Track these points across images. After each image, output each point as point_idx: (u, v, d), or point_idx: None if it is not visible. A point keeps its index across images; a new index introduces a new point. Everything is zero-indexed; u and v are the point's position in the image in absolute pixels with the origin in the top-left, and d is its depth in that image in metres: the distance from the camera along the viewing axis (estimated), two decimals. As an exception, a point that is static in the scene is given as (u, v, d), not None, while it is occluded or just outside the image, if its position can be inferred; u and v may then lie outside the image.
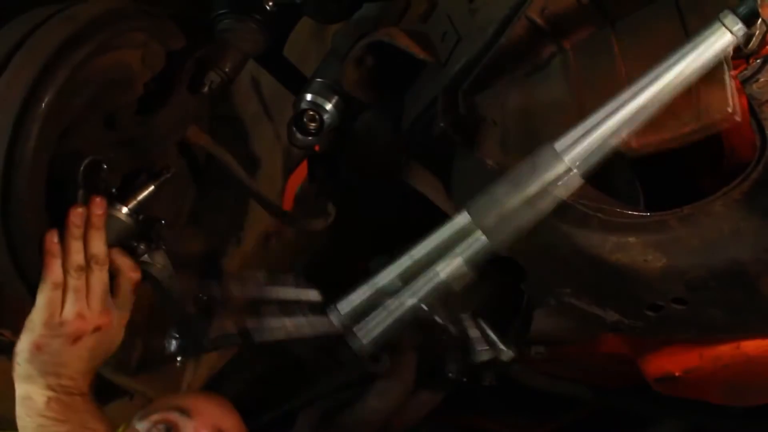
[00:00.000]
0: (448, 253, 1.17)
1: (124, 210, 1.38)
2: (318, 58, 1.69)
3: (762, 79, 1.18)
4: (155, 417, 1.45)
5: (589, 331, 1.40)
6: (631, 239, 1.18)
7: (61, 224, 1.28)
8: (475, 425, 2.29)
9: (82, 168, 1.32)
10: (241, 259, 2.12)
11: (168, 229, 1.48)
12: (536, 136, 1.26)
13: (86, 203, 1.31)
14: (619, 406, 2.02)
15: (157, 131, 1.47)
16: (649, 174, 1.26)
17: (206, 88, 1.52)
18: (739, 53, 1.07)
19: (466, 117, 1.33)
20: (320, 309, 1.34)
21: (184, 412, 1.46)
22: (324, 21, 1.68)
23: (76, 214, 1.27)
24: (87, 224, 1.29)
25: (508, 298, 1.49)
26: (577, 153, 1.08)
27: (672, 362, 1.40)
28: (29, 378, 1.26)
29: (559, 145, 1.09)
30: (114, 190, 1.39)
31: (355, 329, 1.22)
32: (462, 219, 1.15)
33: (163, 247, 1.46)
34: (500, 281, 1.45)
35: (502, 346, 1.41)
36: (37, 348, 1.26)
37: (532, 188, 1.10)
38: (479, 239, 1.14)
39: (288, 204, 2.14)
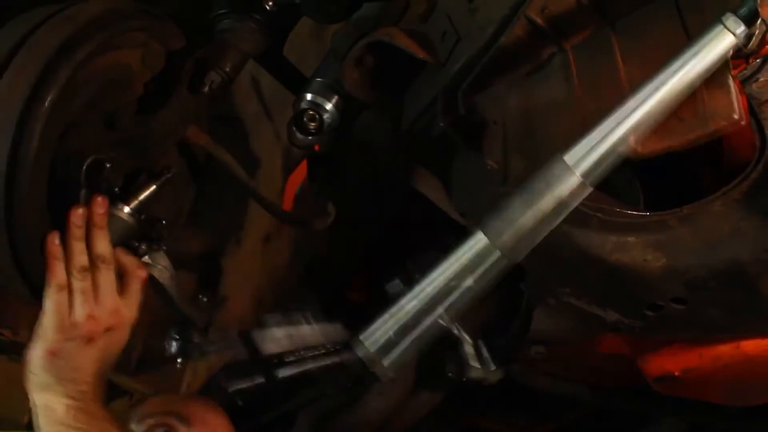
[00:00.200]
0: (468, 275, 1.16)
1: (126, 209, 1.37)
2: (318, 58, 1.69)
3: (762, 79, 1.18)
4: (152, 420, 1.44)
5: (589, 330, 1.39)
6: (631, 239, 1.18)
7: (62, 225, 1.28)
8: (475, 425, 2.29)
9: (84, 167, 1.31)
10: (241, 259, 2.13)
11: (168, 229, 1.47)
12: (536, 135, 1.26)
13: (88, 203, 1.30)
14: (619, 406, 2.02)
15: (157, 131, 1.46)
16: (649, 174, 1.26)
17: (207, 88, 1.52)
18: (739, 53, 1.07)
19: (465, 117, 1.33)
20: (324, 317, 1.34)
21: (184, 419, 1.45)
22: (323, 21, 1.68)
23: (77, 215, 1.26)
24: (90, 224, 1.27)
25: (508, 298, 1.49)
26: (588, 164, 1.07)
27: (671, 362, 1.40)
28: (47, 387, 1.23)
29: (569, 157, 1.08)
30: (117, 189, 1.39)
31: (378, 356, 1.22)
32: (479, 240, 1.14)
33: (164, 247, 1.45)
34: (504, 289, 1.45)
35: (492, 366, 1.41)
36: (52, 354, 1.23)
37: (547, 204, 1.09)
38: (497, 258, 1.14)
39: (288, 204, 2.14)
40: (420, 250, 1.44)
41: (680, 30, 1.15)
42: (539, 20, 1.25)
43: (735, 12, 1.02)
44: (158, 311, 1.56)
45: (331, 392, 1.40)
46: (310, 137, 1.57)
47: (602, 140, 1.07)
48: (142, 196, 1.39)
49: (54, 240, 1.25)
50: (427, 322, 1.20)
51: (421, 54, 1.41)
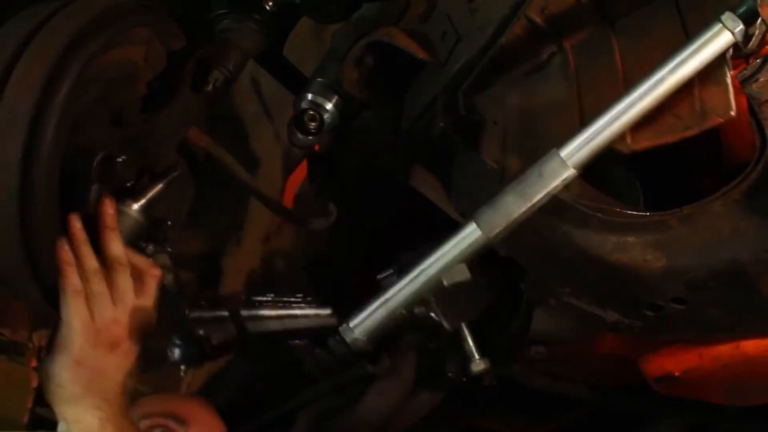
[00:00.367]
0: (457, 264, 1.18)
1: (135, 207, 1.35)
2: (318, 58, 1.69)
3: (761, 79, 1.18)
4: (149, 422, 1.43)
5: (589, 330, 1.39)
6: (631, 239, 1.18)
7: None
8: (474, 425, 2.28)
9: (95, 163, 1.28)
10: (242, 259, 2.13)
11: (172, 230, 1.46)
12: (536, 135, 1.26)
13: (99, 200, 1.27)
14: (619, 406, 2.02)
15: (160, 131, 1.45)
16: (649, 174, 1.26)
17: (210, 87, 1.52)
18: (739, 53, 1.07)
19: (465, 117, 1.33)
20: (315, 300, 1.34)
21: (180, 420, 1.44)
22: (323, 21, 1.68)
23: (75, 218, 1.23)
24: (102, 225, 1.24)
25: (508, 298, 1.49)
26: (581, 157, 1.09)
27: (672, 362, 1.40)
28: (76, 399, 1.17)
29: (564, 152, 1.09)
30: (129, 185, 1.36)
31: (351, 324, 1.23)
32: (471, 231, 1.15)
33: (169, 249, 1.44)
34: (502, 286, 1.45)
35: (477, 356, 1.40)
36: (78, 364, 1.17)
37: (540, 197, 1.11)
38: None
39: (288, 204, 2.14)
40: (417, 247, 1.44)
41: (680, 30, 1.15)
42: (539, 20, 1.25)
43: (734, 11, 1.02)
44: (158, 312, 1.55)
45: (301, 350, 1.40)
46: (310, 137, 1.57)
47: (597, 134, 1.08)
48: (150, 195, 1.38)
49: (63, 246, 1.21)
50: (401, 294, 1.22)
51: (421, 54, 1.41)
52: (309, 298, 1.35)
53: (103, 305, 1.20)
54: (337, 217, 1.79)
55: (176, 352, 1.34)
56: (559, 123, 1.24)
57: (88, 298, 1.20)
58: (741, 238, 1.13)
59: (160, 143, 1.46)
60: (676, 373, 1.40)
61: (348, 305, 1.36)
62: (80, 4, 1.28)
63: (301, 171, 2.07)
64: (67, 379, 1.17)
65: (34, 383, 1.84)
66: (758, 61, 1.19)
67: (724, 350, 1.34)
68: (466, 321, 1.37)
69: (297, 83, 1.74)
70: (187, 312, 1.29)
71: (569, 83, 1.24)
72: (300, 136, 1.57)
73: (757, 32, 1.05)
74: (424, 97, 1.46)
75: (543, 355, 1.56)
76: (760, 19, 1.02)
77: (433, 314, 1.33)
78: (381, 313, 1.23)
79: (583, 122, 1.17)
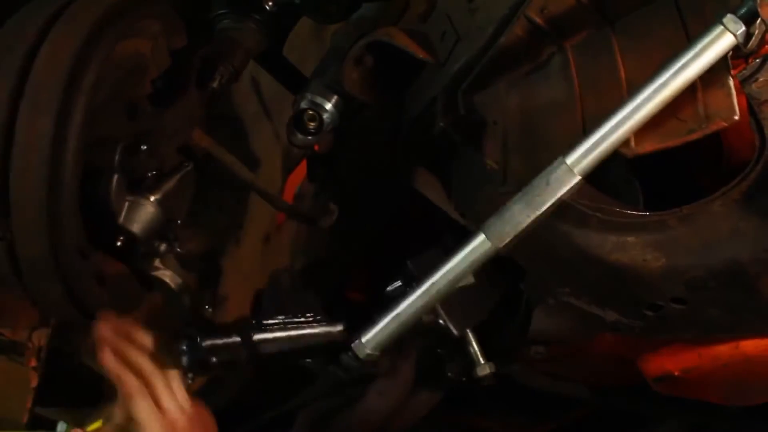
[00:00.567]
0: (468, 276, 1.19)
1: (152, 199, 1.33)
2: (317, 58, 1.69)
3: (761, 79, 1.18)
4: None
5: (589, 330, 1.39)
6: (630, 239, 1.18)
7: (91, 216, 1.22)
8: (474, 425, 2.28)
9: (118, 153, 1.26)
10: (241, 259, 2.12)
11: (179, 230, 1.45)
12: (536, 135, 1.27)
13: (119, 190, 1.25)
14: (619, 406, 2.02)
15: (170, 127, 1.44)
16: (649, 174, 1.26)
17: (216, 84, 1.51)
18: (738, 53, 1.07)
19: (465, 117, 1.33)
20: (325, 318, 1.34)
21: None
22: (323, 21, 1.68)
23: (107, 325, 1.22)
24: (126, 337, 1.24)
25: (507, 298, 1.49)
26: (587, 164, 1.09)
27: (671, 362, 1.40)
28: None
29: (570, 159, 1.09)
30: (150, 174, 1.35)
31: (363, 339, 1.23)
32: (480, 242, 1.15)
33: (178, 249, 1.43)
34: (505, 287, 1.45)
35: (482, 360, 1.40)
36: None
37: (548, 206, 1.11)
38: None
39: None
40: (420, 251, 1.44)
41: (680, 30, 1.15)
42: (539, 20, 1.25)
43: (734, 12, 1.02)
44: (157, 312, 1.55)
45: (313, 366, 1.40)
46: (309, 137, 1.57)
47: (602, 140, 1.08)
48: (165, 188, 1.36)
49: (110, 356, 1.22)
50: (412, 307, 1.22)
51: (420, 54, 1.41)
52: (319, 317, 1.34)
53: (167, 398, 1.25)
54: (337, 216, 1.79)
55: (183, 360, 1.33)
56: (559, 123, 1.24)
57: (154, 396, 1.24)
58: (740, 238, 1.13)
59: (171, 139, 1.44)
60: (676, 373, 1.40)
61: (350, 309, 1.36)
62: None
63: (301, 171, 2.07)
64: None
65: (34, 383, 1.83)
66: (757, 60, 1.19)
67: (723, 350, 1.34)
68: (473, 325, 1.37)
69: (297, 83, 1.74)
70: (199, 340, 1.30)
71: (569, 83, 1.24)
72: (299, 136, 1.57)
73: (756, 32, 1.04)
74: (423, 97, 1.46)
75: (542, 355, 1.56)
76: (759, 19, 1.02)
77: (440, 320, 1.34)
78: (392, 327, 1.23)
79: (587, 126, 1.17)
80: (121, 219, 1.32)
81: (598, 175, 1.14)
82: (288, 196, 2.13)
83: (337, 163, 1.81)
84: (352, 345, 1.26)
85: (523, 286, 1.40)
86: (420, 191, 1.54)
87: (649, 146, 1.09)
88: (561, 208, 1.15)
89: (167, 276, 1.42)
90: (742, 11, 1.02)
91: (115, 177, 1.27)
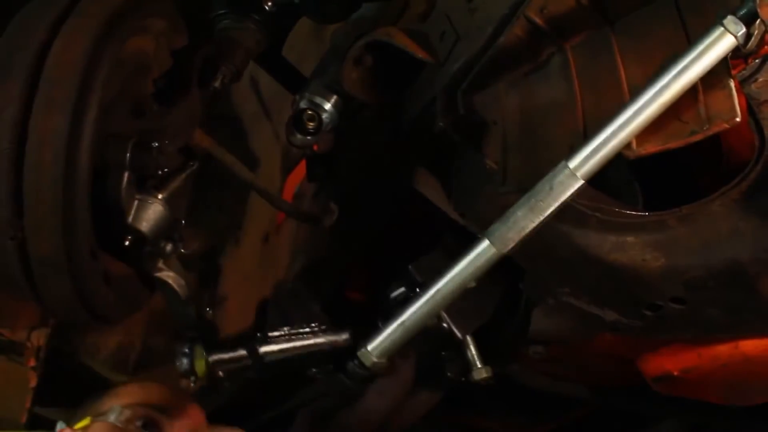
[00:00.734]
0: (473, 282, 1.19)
1: (160, 197, 1.31)
2: (317, 58, 1.69)
3: (761, 79, 1.18)
4: (130, 412, 1.40)
5: (588, 330, 1.39)
6: (630, 239, 1.18)
7: (102, 213, 1.19)
8: (473, 425, 2.28)
9: (129, 150, 1.23)
10: (241, 258, 2.12)
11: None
12: (536, 135, 1.27)
13: (129, 188, 1.23)
14: (618, 405, 2.02)
15: (174, 126, 1.43)
16: (648, 173, 1.26)
17: (218, 83, 1.50)
18: (738, 53, 1.07)
19: (465, 117, 1.33)
20: (330, 328, 1.35)
21: (164, 410, 1.42)
22: (323, 21, 1.68)
23: None
24: None
25: (507, 298, 1.49)
26: (590, 168, 1.09)
27: (670, 361, 1.40)
28: None
29: (573, 163, 1.09)
30: (161, 172, 1.32)
31: (369, 347, 1.24)
32: (484, 248, 1.15)
33: (182, 249, 1.42)
34: (506, 288, 1.45)
35: (479, 364, 1.41)
36: None
37: (551, 211, 1.11)
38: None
39: (287, 203, 2.14)
40: (420, 251, 1.44)
41: (680, 30, 1.15)
42: (538, 20, 1.25)
43: (734, 13, 1.02)
44: (156, 312, 1.55)
45: (320, 375, 1.40)
46: (308, 137, 1.57)
47: (604, 143, 1.08)
48: (172, 187, 1.35)
49: None
50: (417, 314, 1.22)
51: (420, 53, 1.41)
52: (324, 327, 1.35)
53: None
54: (337, 216, 1.79)
55: (184, 363, 1.33)
56: (559, 123, 1.24)
57: None
58: (740, 238, 1.13)
59: (174, 138, 1.43)
60: (675, 373, 1.40)
61: (352, 312, 1.36)
62: None
63: (300, 171, 2.07)
64: None
65: (33, 383, 1.83)
66: (757, 61, 1.19)
67: (722, 350, 1.34)
68: (475, 327, 1.38)
69: (296, 83, 1.73)
70: (206, 356, 1.30)
71: (569, 83, 1.24)
72: (298, 135, 1.57)
73: (756, 32, 1.04)
74: (423, 96, 1.46)
75: (542, 354, 1.56)
76: (758, 20, 1.02)
77: (444, 324, 1.34)
78: (398, 335, 1.24)
79: (587, 126, 1.17)
80: (130, 218, 1.30)
81: (597, 176, 1.14)
82: (287, 195, 2.13)
83: (336, 163, 1.81)
84: (359, 353, 1.27)
85: (522, 285, 1.40)
86: (420, 191, 1.54)
87: (651, 148, 1.09)
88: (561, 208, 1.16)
89: (171, 278, 1.39)
90: (742, 12, 1.02)
91: (126, 174, 1.24)
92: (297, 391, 2.07)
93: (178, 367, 1.38)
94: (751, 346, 1.32)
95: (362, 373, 1.29)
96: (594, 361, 1.65)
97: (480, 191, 1.35)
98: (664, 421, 2.13)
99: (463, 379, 1.43)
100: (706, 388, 1.45)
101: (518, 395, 2.03)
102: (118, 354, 1.87)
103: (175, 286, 1.38)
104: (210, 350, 1.31)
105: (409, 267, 1.36)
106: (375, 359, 1.25)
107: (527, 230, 1.12)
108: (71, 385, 1.71)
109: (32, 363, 1.82)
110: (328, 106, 1.57)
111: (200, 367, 1.31)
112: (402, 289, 1.37)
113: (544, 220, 1.11)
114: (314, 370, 1.42)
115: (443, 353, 1.49)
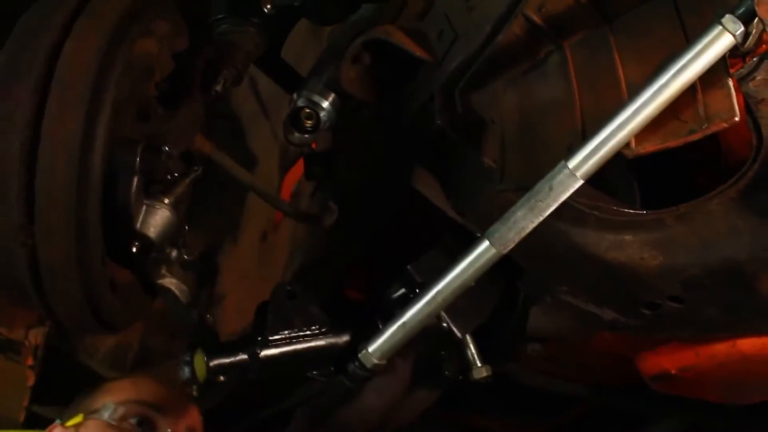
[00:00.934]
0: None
1: (167, 201, 1.28)
2: (314, 58, 1.68)
3: (758, 77, 1.18)
4: (124, 409, 1.39)
5: (586, 329, 1.39)
6: (628, 237, 1.18)
7: (112, 216, 1.17)
8: (471, 423, 2.29)
9: (138, 154, 1.21)
10: (239, 257, 2.12)
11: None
12: (534, 134, 1.26)
13: (138, 192, 1.21)
14: (616, 404, 2.02)
15: (177, 130, 1.42)
16: (646, 172, 1.26)
17: (220, 86, 1.49)
18: (736, 52, 1.07)
19: (463, 115, 1.33)
20: (330, 330, 1.35)
21: (158, 407, 1.42)
22: (322, 23, 1.68)
23: None
24: None
25: (505, 297, 1.49)
26: (589, 167, 1.08)
27: (668, 360, 1.40)
28: None
29: (572, 163, 1.08)
30: (171, 177, 1.30)
31: (370, 349, 1.24)
32: (484, 249, 1.15)
33: (186, 256, 1.40)
34: (504, 287, 1.45)
35: (479, 363, 1.41)
36: None
37: (551, 211, 1.10)
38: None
39: (284, 202, 2.14)
40: (419, 250, 1.44)
41: (678, 29, 1.15)
42: (536, 18, 1.25)
43: (733, 12, 1.02)
44: (155, 312, 1.54)
45: (320, 377, 1.40)
46: (306, 135, 1.57)
47: (603, 143, 1.07)
48: (178, 192, 1.33)
49: None
50: (418, 316, 1.22)
51: (418, 52, 1.41)
52: (324, 329, 1.35)
53: None
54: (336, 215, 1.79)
55: (186, 371, 1.32)
56: (557, 122, 1.23)
57: None
58: (738, 237, 1.13)
59: (178, 142, 1.42)
60: (673, 371, 1.40)
61: (351, 312, 1.36)
62: None
63: (298, 168, 2.07)
64: None
65: (31, 381, 1.83)
66: (755, 59, 1.19)
67: (720, 348, 1.34)
68: (475, 326, 1.38)
69: (294, 85, 1.73)
70: (206, 361, 1.29)
71: (567, 82, 1.24)
72: (296, 134, 1.56)
73: (754, 31, 1.04)
74: (421, 95, 1.46)
75: (540, 353, 1.56)
76: (756, 18, 1.02)
77: (443, 324, 1.34)
78: (399, 336, 1.24)
79: (585, 125, 1.17)
80: (138, 224, 1.27)
81: (596, 174, 1.14)
82: (285, 193, 2.13)
83: (335, 162, 1.80)
84: (359, 355, 1.27)
85: (520, 284, 1.40)
86: (419, 190, 1.54)
87: (650, 147, 1.09)
88: (559, 206, 1.15)
89: (173, 284, 1.37)
90: (741, 11, 1.01)
91: (135, 179, 1.22)
92: (295, 389, 2.07)
93: (180, 376, 1.37)
94: (749, 344, 1.32)
95: (363, 375, 1.29)
96: (592, 360, 1.65)
97: (479, 190, 1.35)
98: (662, 420, 2.13)
99: (461, 377, 1.43)
100: (704, 386, 1.45)
101: (516, 394, 2.03)
102: (116, 353, 1.87)
103: (177, 292, 1.37)
104: (210, 355, 1.31)
105: (408, 267, 1.36)
106: (376, 361, 1.25)
107: (527, 230, 1.12)
108: (69, 384, 1.71)
109: (30, 362, 1.82)
110: (325, 104, 1.56)
111: (201, 372, 1.30)
112: (402, 290, 1.37)
113: (544, 220, 1.11)
114: (314, 372, 1.42)
115: (442, 352, 1.49)
